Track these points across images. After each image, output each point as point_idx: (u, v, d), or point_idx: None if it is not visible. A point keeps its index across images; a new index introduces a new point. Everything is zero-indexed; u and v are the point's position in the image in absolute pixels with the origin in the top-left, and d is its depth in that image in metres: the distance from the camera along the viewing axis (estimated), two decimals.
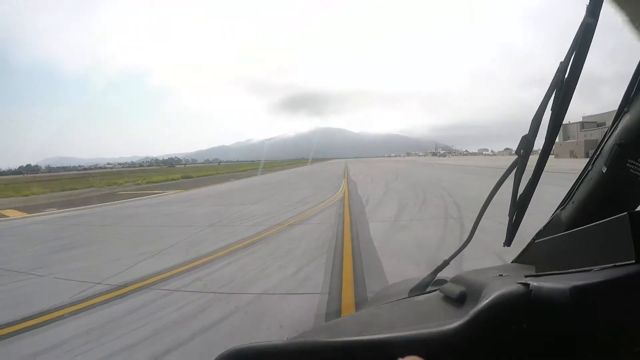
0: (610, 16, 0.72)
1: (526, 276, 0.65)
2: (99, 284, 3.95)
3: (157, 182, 28.59)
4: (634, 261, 0.49)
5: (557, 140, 0.85)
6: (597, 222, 0.56)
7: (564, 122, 0.81)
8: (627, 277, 0.48)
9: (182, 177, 32.49)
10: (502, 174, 0.90)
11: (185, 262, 4.65)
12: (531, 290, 0.55)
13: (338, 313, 2.96)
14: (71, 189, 24.44)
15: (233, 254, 4.97)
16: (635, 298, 0.48)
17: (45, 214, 10.83)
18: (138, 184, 27.19)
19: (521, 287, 0.56)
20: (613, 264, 0.51)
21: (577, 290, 0.49)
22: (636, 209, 0.67)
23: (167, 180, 30.11)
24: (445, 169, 28.05)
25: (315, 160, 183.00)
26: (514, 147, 0.85)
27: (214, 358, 0.56)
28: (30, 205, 14.15)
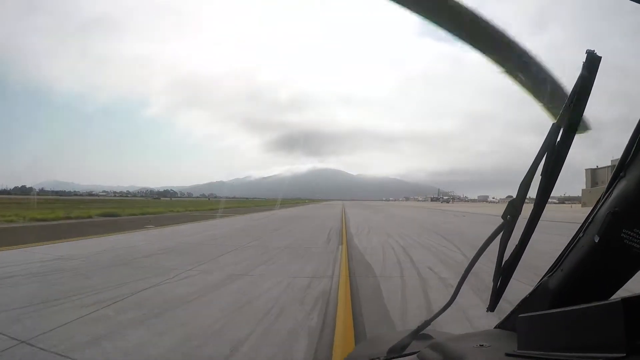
0: (611, 68, 0.77)
1: (507, 354, 0.66)
2: None
3: (53, 219, 18.04)
4: (624, 354, 0.45)
5: (584, 187, 0.61)
6: (587, 305, 0.53)
7: (592, 166, 0.55)
8: None
9: (105, 215, 22.00)
10: (579, 227, 0.80)
11: None
12: None
13: None
14: None
15: None
16: None
17: None
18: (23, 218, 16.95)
19: None
20: (600, 357, 0.48)
21: None
22: (628, 281, 0.70)
23: (73, 218, 19.59)
24: (486, 222, 17.93)
25: (311, 200, 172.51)
26: (515, 194, 0.81)
27: None
28: None
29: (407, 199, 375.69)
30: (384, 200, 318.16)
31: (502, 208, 0.83)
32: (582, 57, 0.71)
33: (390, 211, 38.40)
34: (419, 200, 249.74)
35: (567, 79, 0.75)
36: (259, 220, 20.60)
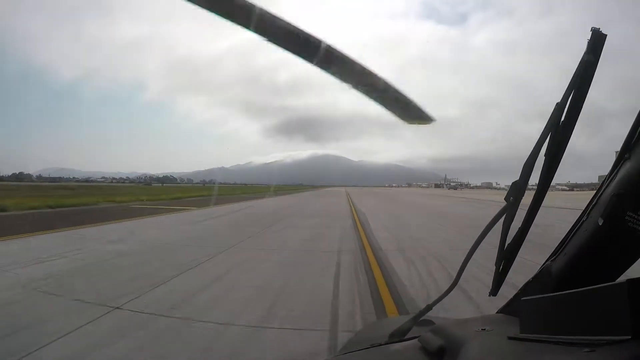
0: (615, 50, 0.75)
1: (509, 337, 0.64)
2: None
3: None
4: (629, 337, 0.45)
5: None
6: (592, 287, 0.52)
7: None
8: None
9: None
10: None
11: None
12: None
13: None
14: None
15: None
16: None
17: None
18: None
19: None
20: (605, 340, 0.47)
21: None
22: (632, 265, 0.69)
23: None
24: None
25: (313, 187, 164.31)
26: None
27: None
28: None
29: (409, 185, 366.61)
30: (387, 187, 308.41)
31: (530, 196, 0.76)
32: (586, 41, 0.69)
33: (410, 201, 29.69)
34: (422, 187, 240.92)
35: (573, 62, 0.73)
36: (207, 223, 11.92)
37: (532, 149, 0.75)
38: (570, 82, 0.70)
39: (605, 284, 0.49)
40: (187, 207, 18.82)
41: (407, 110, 0.92)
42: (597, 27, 0.68)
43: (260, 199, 30.31)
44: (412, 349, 0.80)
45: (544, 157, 0.74)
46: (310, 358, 2.53)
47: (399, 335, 0.94)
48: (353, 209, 18.04)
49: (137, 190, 46.31)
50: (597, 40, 0.67)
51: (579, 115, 0.71)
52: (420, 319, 0.98)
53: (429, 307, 0.98)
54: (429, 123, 0.95)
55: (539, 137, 0.74)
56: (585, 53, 0.68)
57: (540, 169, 0.75)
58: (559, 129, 0.72)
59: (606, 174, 0.74)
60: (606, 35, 0.67)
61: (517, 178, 0.78)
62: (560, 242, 0.80)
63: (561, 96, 0.71)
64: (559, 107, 0.71)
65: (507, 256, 0.83)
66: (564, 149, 0.73)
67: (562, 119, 0.72)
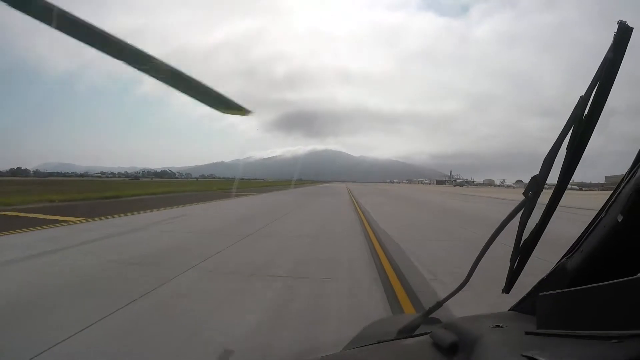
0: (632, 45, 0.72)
1: (527, 332, 0.63)
2: None
3: None
4: None
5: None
6: (614, 281, 0.52)
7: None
8: None
9: None
10: None
11: None
12: None
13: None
14: None
15: None
16: None
17: None
18: None
19: None
20: (630, 333, 0.46)
21: None
22: None
23: None
24: None
25: (312, 182, 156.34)
26: (525, 178, 0.73)
27: None
28: None
29: (410, 181, 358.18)
30: (388, 183, 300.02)
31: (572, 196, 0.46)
32: (594, 37, 0.67)
33: (444, 206, 21.68)
34: (424, 183, 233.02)
35: (578, 56, 1.01)
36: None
37: (531, 153, 0.60)
38: (594, 76, 0.67)
39: (629, 278, 0.48)
40: (82, 217, 10.81)
41: (218, 102, 0.98)
42: (624, 20, 0.66)
43: (231, 198, 22.45)
44: (424, 344, 0.78)
45: (565, 152, 0.72)
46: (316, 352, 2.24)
47: (408, 331, 0.92)
48: (374, 238, 9.84)
49: (100, 187, 38.81)
50: (622, 34, 0.65)
51: (602, 111, 0.69)
52: (429, 316, 0.96)
53: (439, 304, 0.95)
54: (245, 114, 1.01)
55: (560, 130, 0.71)
56: (610, 46, 0.66)
57: (558, 164, 0.73)
58: (582, 123, 0.69)
59: (612, 174, 0.60)
60: (632, 28, 0.66)
61: (521, 175, 0.64)
62: (576, 240, 0.77)
63: (561, 90, 0.58)
64: (583, 100, 0.69)
65: (522, 253, 0.80)
66: (586, 144, 0.71)
67: (586, 112, 0.69)
